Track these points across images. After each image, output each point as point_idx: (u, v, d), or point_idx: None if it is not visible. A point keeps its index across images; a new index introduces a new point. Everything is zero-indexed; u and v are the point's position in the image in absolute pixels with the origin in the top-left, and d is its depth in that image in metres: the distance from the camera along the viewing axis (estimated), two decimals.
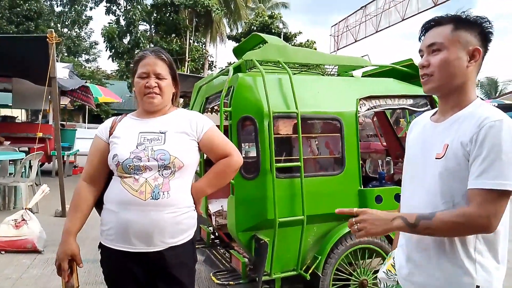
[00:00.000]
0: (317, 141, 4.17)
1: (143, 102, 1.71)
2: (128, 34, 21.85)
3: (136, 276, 1.64)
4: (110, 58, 22.55)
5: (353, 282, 2.95)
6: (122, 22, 22.17)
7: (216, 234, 3.72)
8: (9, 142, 8.46)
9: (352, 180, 2.89)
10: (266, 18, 21.80)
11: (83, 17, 28.26)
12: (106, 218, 1.65)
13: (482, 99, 1.71)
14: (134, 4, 22.73)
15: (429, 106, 3.17)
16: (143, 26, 23.82)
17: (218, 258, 3.32)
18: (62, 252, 1.64)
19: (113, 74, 30.64)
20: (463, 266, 1.22)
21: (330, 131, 3.49)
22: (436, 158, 1.27)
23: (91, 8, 28.74)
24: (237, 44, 4.92)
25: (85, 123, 21.27)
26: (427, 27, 1.35)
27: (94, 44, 33.60)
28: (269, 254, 2.65)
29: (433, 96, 2.94)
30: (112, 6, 23.15)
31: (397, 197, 2.86)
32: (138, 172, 1.59)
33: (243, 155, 2.52)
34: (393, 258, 1.51)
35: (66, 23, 28.40)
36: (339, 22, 19.22)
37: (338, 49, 19.03)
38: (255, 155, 2.71)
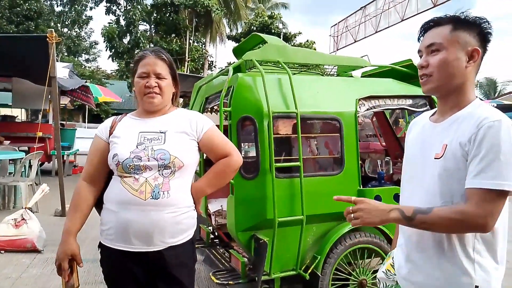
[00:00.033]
0: (316, 141, 4.17)
1: (143, 102, 1.71)
2: (128, 34, 21.86)
3: (135, 276, 1.64)
4: (110, 58, 22.57)
5: (352, 282, 2.95)
6: (122, 22, 22.19)
7: (216, 233, 3.72)
8: (9, 142, 8.46)
9: (351, 180, 2.90)
10: (266, 18, 21.79)
11: (83, 17, 28.29)
12: (106, 217, 1.66)
13: (481, 100, 1.72)
14: (134, 4, 22.74)
15: (428, 107, 3.18)
16: (143, 26, 23.89)
17: (217, 257, 3.32)
18: (62, 252, 1.64)
19: (113, 74, 30.65)
20: (462, 266, 1.23)
21: (329, 131, 3.50)
22: (435, 158, 1.27)
23: (91, 8, 28.85)
24: (237, 44, 4.92)
25: (85, 122, 21.28)
26: (426, 27, 1.35)
27: (94, 44, 33.66)
28: (269, 253, 2.65)
29: (432, 96, 2.95)
30: (112, 6, 23.17)
31: (396, 197, 2.86)
32: (138, 172, 1.59)
33: (243, 155, 2.52)
34: (392, 258, 1.51)
35: (66, 23, 28.42)
36: (339, 22, 19.20)
37: (337, 50, 19.01)
38: (255, 155, 2.71)
